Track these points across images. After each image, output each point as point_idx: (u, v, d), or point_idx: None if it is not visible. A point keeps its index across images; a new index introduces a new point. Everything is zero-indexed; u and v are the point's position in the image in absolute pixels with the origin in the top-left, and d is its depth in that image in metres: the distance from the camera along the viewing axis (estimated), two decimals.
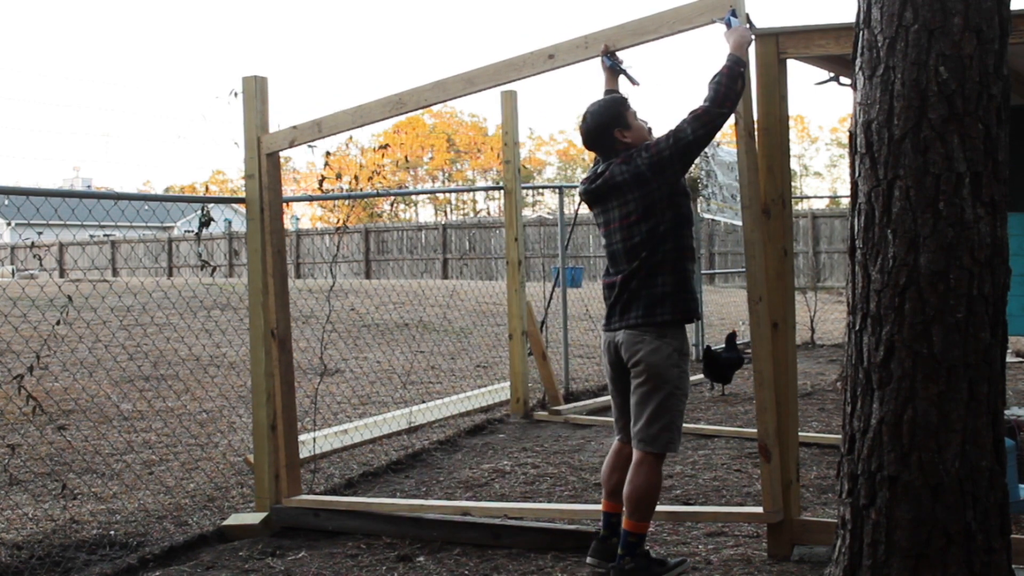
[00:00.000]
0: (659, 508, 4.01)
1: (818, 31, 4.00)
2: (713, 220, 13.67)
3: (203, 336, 10.37)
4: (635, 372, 3.88)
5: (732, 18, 3.93)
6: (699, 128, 3.77)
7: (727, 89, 3.77)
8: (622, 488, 3.95)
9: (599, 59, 4.24)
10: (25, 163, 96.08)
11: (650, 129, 4.09)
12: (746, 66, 3.86)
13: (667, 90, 72.16)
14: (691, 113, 3.80)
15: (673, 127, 3.82)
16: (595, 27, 4.33)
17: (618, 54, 4.24)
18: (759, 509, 4.16)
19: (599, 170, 4.04)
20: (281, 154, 5.11)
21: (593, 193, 4.03)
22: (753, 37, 3.97)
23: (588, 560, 4.07)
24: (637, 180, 3.85)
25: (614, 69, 4.24)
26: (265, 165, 4.98)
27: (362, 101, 4.89)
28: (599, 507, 4.19)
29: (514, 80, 4.66)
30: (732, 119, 3.99)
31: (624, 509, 3.88)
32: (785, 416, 4.06)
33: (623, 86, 4.30)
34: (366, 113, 4.83)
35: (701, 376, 9.56)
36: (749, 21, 3.99)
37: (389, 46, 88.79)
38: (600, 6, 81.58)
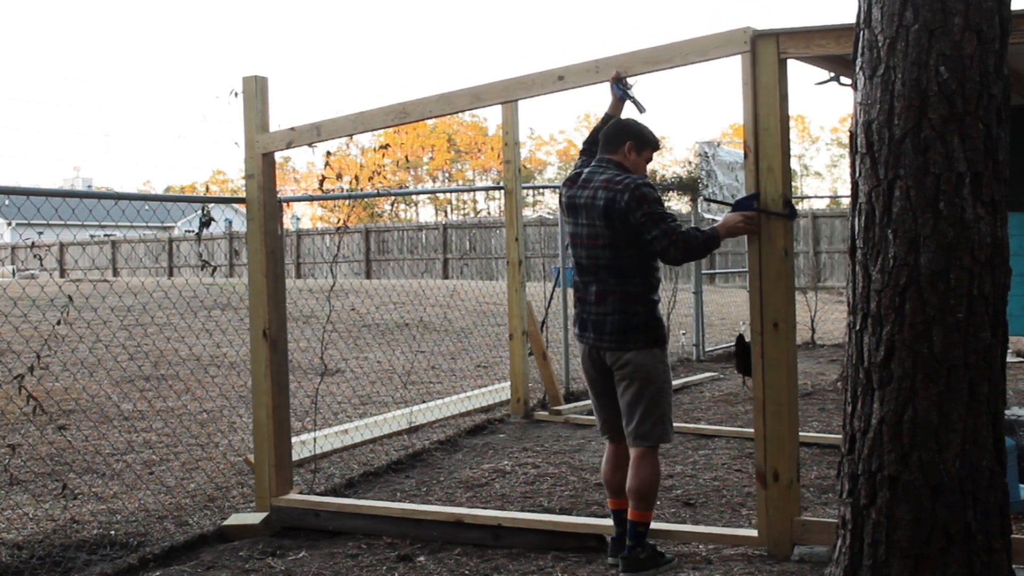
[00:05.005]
0: (654, 525, 4.13)
1: (818, 31, 4.00)
2: (714, 220, 13.65)
3: (203, 336, 10.38)
4: (621, 375, 4.00)
5: (752, 201, 3.99)
6: (678, 252, 3.84)
7: (695, 252, 3.91)
8: (625, 484, 4.11)
9: (608, 83, 4.27)
10: (25, 163, 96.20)
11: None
12: (719, 244, 3.98)
13: (671, 117, 72.60)
14: (680, 239, 3.83)
15: (671, 230, 3.83)
16: (606, 52, 4.36)
17: (628, 79, 4.26)
18: (754, 533, 4.18)
19: (582, 176, 4.07)
20: (281, 154, 5.11)
21: (573, 200, 4.08)
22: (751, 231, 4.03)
23: (610, 560, 4.15)
24: (608, 216, 3.90)
25: (622, 96, 4.28)
26: (260, 165, 4.98)
27: (362, 103, 4.93)
28: (596, 520, 4.24)
29: (522, 98, 4.63)
30: (739, 116, 4.01)
31: (630, 502, 4.01)
32: (785, 416, 4.06)
33: (629, 112, 4.33)
34: (367, 120, 4.84)
35: (701, 376, 9.57)
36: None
37: (392, 46, 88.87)
38: (600, 18, 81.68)
